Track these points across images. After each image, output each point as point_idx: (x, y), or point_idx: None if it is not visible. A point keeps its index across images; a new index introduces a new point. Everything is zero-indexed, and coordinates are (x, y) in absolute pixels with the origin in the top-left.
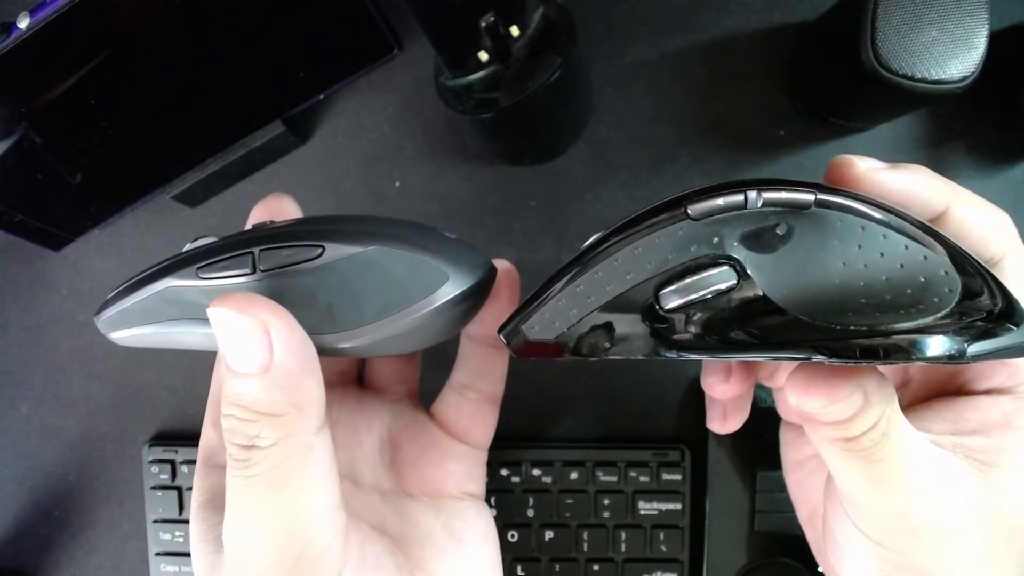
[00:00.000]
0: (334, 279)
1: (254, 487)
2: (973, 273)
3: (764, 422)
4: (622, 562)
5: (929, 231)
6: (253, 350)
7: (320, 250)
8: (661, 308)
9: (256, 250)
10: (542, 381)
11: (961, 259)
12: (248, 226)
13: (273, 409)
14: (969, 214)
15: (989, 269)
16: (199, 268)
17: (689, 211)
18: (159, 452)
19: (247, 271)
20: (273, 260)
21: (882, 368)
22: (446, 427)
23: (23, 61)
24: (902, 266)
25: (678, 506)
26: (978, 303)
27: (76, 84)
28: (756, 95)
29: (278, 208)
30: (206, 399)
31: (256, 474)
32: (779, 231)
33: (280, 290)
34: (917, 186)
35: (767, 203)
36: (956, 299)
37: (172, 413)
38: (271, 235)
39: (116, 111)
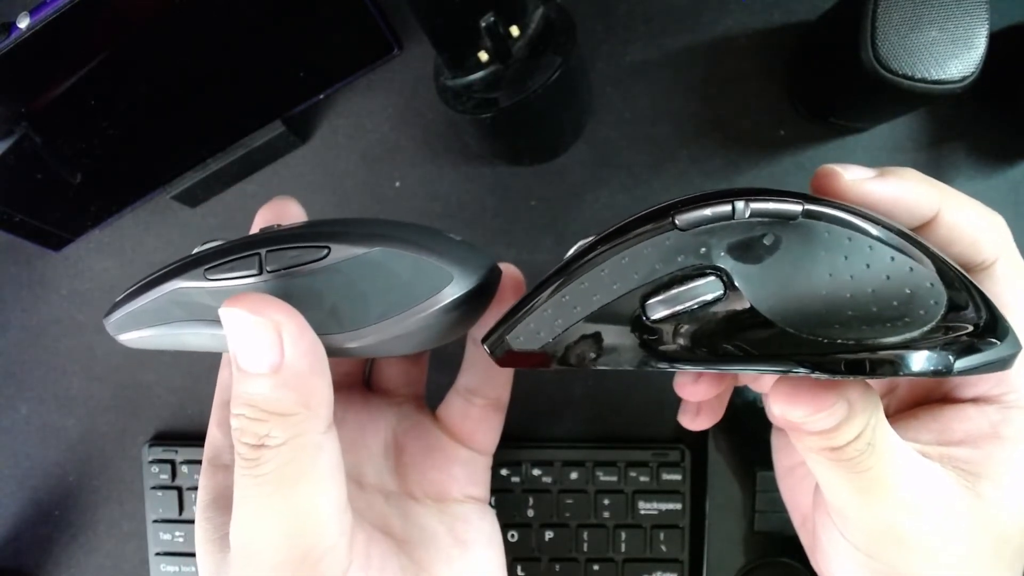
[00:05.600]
0: (340, 280)
1: (262, 486)
2: (959, 286)
3: (764, 422)
4: (622, 562)
5: (915, 243)
6: (265, 350)
7: (326, 251)
8: (647, 319)
9: (263, 251)
10: (542, 382)
11: (946, 271)
12: (254, 229)
13: (283, 408)
14: (960, 217)
15: (974, 281)
16: (206, 270)
17: (676, 221)
18: (159, 452)
19: (254, 272)
20: (279, 261)
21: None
22: (451, 431)
23: (23, 61)
24: (888, 278)
25: (678, 506)
26: (963, 316)
27: (76, 84)
28: (756, 95)
29: (282, 210)
30: (206, 399)
31: (264, 473)
32: (766, 241)
33: (287, 291)
34: (905, 193)
35: (755, 213)
36: (942, 312)
37: (172, 413)
38: (277, 237)
39: (116, 111)
